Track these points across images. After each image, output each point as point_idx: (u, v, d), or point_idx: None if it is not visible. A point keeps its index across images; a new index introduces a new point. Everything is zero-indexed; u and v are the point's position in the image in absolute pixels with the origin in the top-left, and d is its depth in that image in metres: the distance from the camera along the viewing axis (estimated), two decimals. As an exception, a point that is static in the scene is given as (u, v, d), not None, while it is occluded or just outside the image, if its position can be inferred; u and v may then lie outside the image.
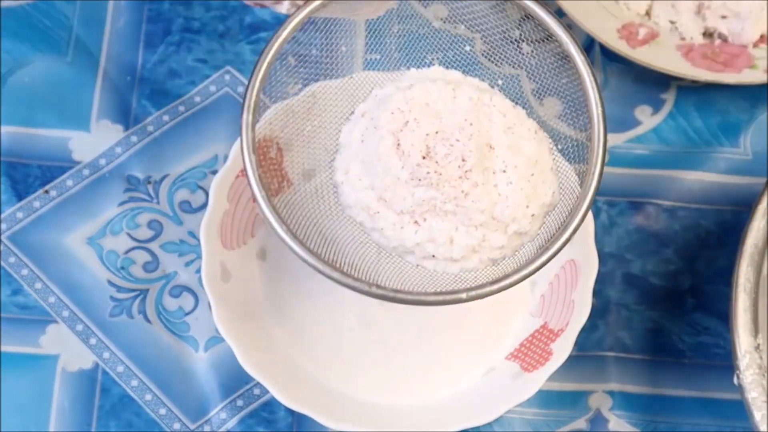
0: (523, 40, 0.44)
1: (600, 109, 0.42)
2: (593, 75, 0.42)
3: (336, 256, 0.44)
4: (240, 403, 0.57)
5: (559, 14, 0.47)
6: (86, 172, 0.60)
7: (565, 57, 0.42)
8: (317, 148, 0.48)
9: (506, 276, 0.43)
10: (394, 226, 0.43)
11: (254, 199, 0.43)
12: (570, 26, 0.42)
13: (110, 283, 0.59)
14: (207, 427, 0.57)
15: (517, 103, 0.46)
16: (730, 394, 0.57)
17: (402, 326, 0.57)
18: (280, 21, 0.45)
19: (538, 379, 0.53)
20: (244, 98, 0.43)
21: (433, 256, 0.43)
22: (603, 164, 0.42)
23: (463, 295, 0.42)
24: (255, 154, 0.43)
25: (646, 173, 0.61)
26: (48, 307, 0.58)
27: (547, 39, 0.43)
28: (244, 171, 0.43)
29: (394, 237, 0.43)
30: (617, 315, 0.58)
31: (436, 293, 0.43)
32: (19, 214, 0.59)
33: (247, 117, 0.43)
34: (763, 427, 0.48)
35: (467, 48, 0.47)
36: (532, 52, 0.44)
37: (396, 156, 0.42)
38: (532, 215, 0.43)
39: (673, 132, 0.61)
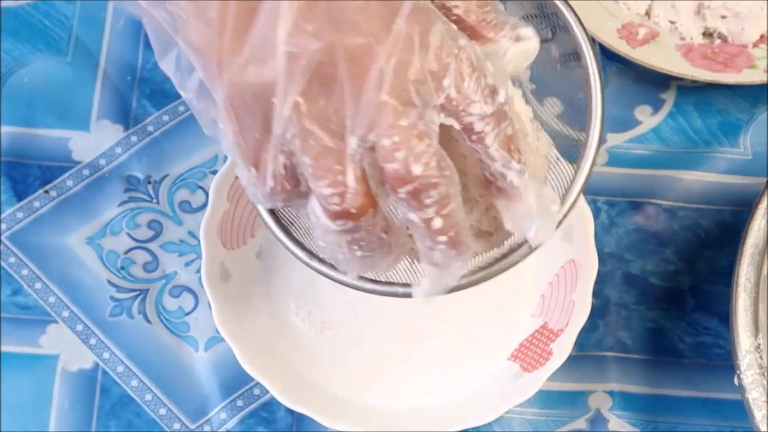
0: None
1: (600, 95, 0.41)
2: (594, 52, 0.41)
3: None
4: (240, 403, 0.57)
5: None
6: (86, 172, 0.60)
7: (568, 55, 0.42)
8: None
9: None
10: None
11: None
12: (569, 26, 0.42)
13: (110, 283, 0.59)
14: (207, 427, 0.57)
15: None
16: (730, 394, 0.57)
17: (402, 328, 0.57)
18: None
19: (538, 379, 0.53)
20: None
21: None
22: (595, 158, 0.41)
23: (398, 290, 0.40)
24: None
25: (646, 173, 0.61)
26: (48, 307, 0.58)
27: (549, 39, 0.42)
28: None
29: None
30: (617, 315, 0.58)
31: (375, 281, 0.41)
32: (19, 214, 0.59)
33: None
34: (763, 427, 0.48)
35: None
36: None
37: None
38: None
39: (672, 132, 0.61)
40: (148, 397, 0.57)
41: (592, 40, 0.40)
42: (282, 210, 0.43)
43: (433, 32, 0.32)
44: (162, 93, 0.61)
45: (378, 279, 0.42)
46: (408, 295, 0.41)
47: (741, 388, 0.49)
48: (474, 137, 0.34)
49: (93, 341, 0.58)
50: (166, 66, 0.33)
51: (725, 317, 0.50)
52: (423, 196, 0.33)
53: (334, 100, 0.31)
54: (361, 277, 0.41)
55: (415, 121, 0.32)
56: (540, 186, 0.36)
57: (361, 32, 0.30)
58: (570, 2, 0.40)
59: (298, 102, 0.31)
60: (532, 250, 0.39)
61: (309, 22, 0.30)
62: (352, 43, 0.30)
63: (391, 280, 0.42)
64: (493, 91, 0.34)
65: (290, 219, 0.43)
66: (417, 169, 0.32)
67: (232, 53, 0.31)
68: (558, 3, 0.40)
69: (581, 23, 0.40)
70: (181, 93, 0.34)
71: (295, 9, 0.30)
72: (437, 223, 0.34)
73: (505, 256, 0.40)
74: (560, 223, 0.39)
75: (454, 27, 0.33)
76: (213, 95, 0.33)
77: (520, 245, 0.40)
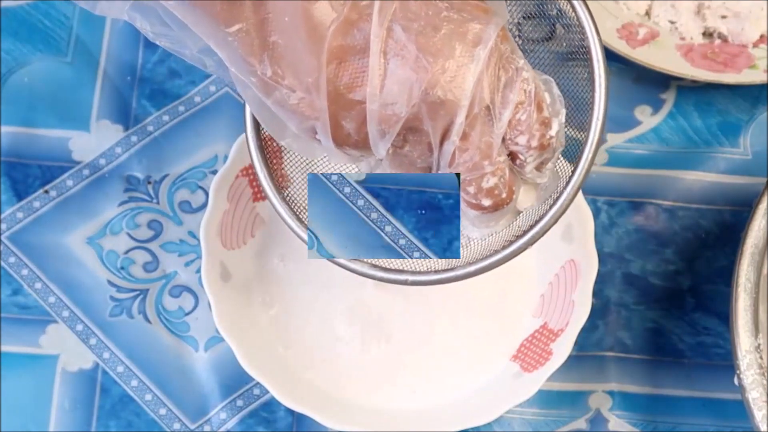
0: (523, 40, 0.44)
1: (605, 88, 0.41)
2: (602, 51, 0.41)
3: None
4: (240, 403, 0.57)
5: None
6: (86, 172, 0.60)
7: (569, 54, 0.42)
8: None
9: (452, 268, 0.42)
10: None
11: (257, 181, 0.43)
12: (569, 25, 0.42)
13: (110, 283, 0.59)
14: (207, 427, 0.57)
15: None
16: (730, 394, 0.57)
17: (402, 328, 0.57)
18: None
19: (538, 379, 0.53)
20: None
21: None
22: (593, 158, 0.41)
23: (407, 278, 0.43)
24: (260, 140, 0.43)
25: (646, 173, 0.61)
26: (48, 307, 0.58)
27: (549, 38, 0.42)
28: (251, 161, 0.43)
29: None
30: (617, 315, 0.58)
31: (384, 269, 0.43)
32: (19, 214, 0.59)
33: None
34: (763, 427, 0.48)
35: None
36: (532, 51, 0.44)
37: None
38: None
39: (672, 132, 0.61)
40: (148, 397, 0.57)
41: (600, 38, 0.40)
42: (297, 199, 0.43)
43: (501, 75, 0.36)
44: (162, 93, 0.61)
45: (388, 267, 0.43)
46: (416, 283, 0.42)
47: (741, 388, 0.49)
48: (517, 162, 0.38)
49: (93, 341, 0.58)
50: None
51: (725, 317, 0.50)
52: (488, 214, 0.39)
53: (419, 148, 0.37)
54: (373, 265, 0.43)
55: (483, 161, 0.36)
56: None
57: (442, 88, 0.35)
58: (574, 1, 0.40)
59: (389, 149, 0.36)
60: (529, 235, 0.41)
61: (396, 83, 0.35)
62: (434, 101, 0.35)
63: (402, 268, 0.43)
64: (544, 124, 0.37)
65: (305, 206, 0.44)
66: (486, 202, 0.38)
67: (332, 113, 0.36)
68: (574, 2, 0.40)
69: (593, 19, 0.40)
70: (281, 143, 0.39)
71: (380, 75, 0.35)
72: (496, 226, 0.40)
73: (510, 243, 0.41)
74: (556, 217, 0.40)
75: (521, 62, 0.37)
76: (316, 139, 0.37)
77: (520, 235, 0.40)
